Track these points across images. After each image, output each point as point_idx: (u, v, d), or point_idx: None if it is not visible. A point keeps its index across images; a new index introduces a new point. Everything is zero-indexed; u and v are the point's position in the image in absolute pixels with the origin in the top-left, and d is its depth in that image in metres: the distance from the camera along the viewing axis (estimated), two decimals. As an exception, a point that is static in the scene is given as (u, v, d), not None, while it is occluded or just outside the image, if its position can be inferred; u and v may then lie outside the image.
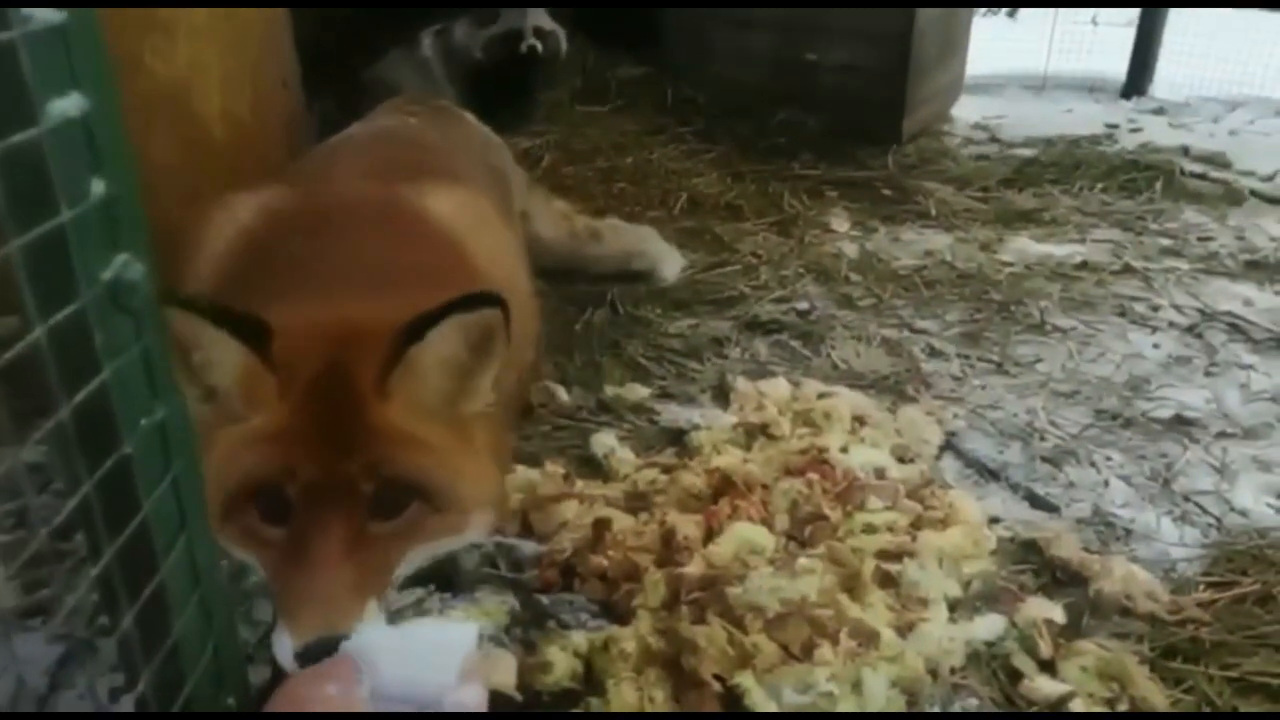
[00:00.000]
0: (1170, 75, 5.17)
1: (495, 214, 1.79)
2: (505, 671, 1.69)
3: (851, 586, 1.85)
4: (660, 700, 1.60)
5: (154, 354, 0.73)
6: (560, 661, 1.69)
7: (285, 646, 0.98)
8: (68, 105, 0.61)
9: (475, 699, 0.91)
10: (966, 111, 4.89)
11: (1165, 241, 3.53)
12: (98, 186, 0.68)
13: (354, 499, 1.06)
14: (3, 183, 0.58)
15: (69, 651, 1.75)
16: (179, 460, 0.78)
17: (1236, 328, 2.93)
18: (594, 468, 2.28)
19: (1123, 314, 3.04)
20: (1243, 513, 2.15)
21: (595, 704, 1.62)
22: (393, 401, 1.08)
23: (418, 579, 1.91)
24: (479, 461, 1.21)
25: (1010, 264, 3.36)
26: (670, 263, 3.21)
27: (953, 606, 1.87)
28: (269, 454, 1.03)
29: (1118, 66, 5.25)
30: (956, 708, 1.68)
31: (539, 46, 4.19)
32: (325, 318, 1.14)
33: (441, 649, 0.95)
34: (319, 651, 0.95)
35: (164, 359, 0.75)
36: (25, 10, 0.58)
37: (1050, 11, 5.61)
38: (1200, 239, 3.54)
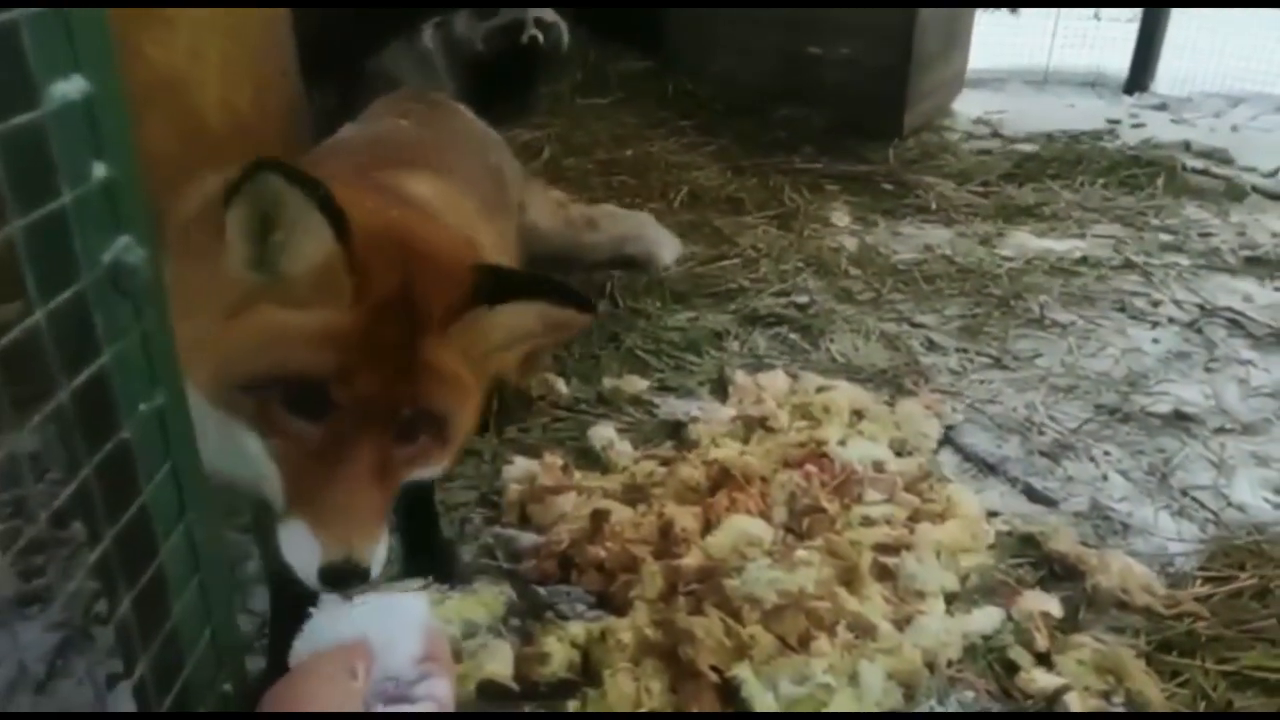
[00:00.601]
0: (1173, 71, 5.16)
1: (475, 212, 1.78)
2: (502, 661, 1.70)
3: (849, 579, 1.86)
4: (657, 691, 1.61)
5: (153, 339, 0.73)
6: (557, 652, 1.69)
7: (307, 555, 0.99)
8: (69, 88, 0.61)
9: (444, 692, 0.90)
10: (968, 106, 4.89)
11: (1166, 237, 3.53)
12: (99, 169, 0.68)
13: (391, 422, 1.06)
14: (4, 164, 0.58)
15: (67, 639, 1.75)
16: (178, 447, 0.78)
17: (1236, 323, 2.93)
18: (592, 460, 2.29)
19: (1122, 309, 3.04)
20: (1240, 508, 2.16)
21: (592, 695, 1.62)
22: (449, 340, 1.09)
23: (414, 570, 1.92)
24: (478, 401, 1.22)
25: (1010, 259, 3.36)
26: (667, 248, 3.21)
27: (950, 599, 1.87)
28: (328, 353, 1.01)
29: (1120, 62, 5.24)
30: (953, 700, 1.68)
31: (540, 38, 4.18)
32: (404, 234, 1.13)
33: (397, 616, 0.94)
34: (342, 574, 0.97)
35: (164, 344, 0.75)
36: (27, -8, 0.58)
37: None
38: (1201, 235, 3.54)
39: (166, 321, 0.76)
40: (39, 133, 0.63)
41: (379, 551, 1.04)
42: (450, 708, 0.90)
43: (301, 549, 1.00)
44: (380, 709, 0.87)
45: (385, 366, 1.04)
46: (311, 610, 0.95)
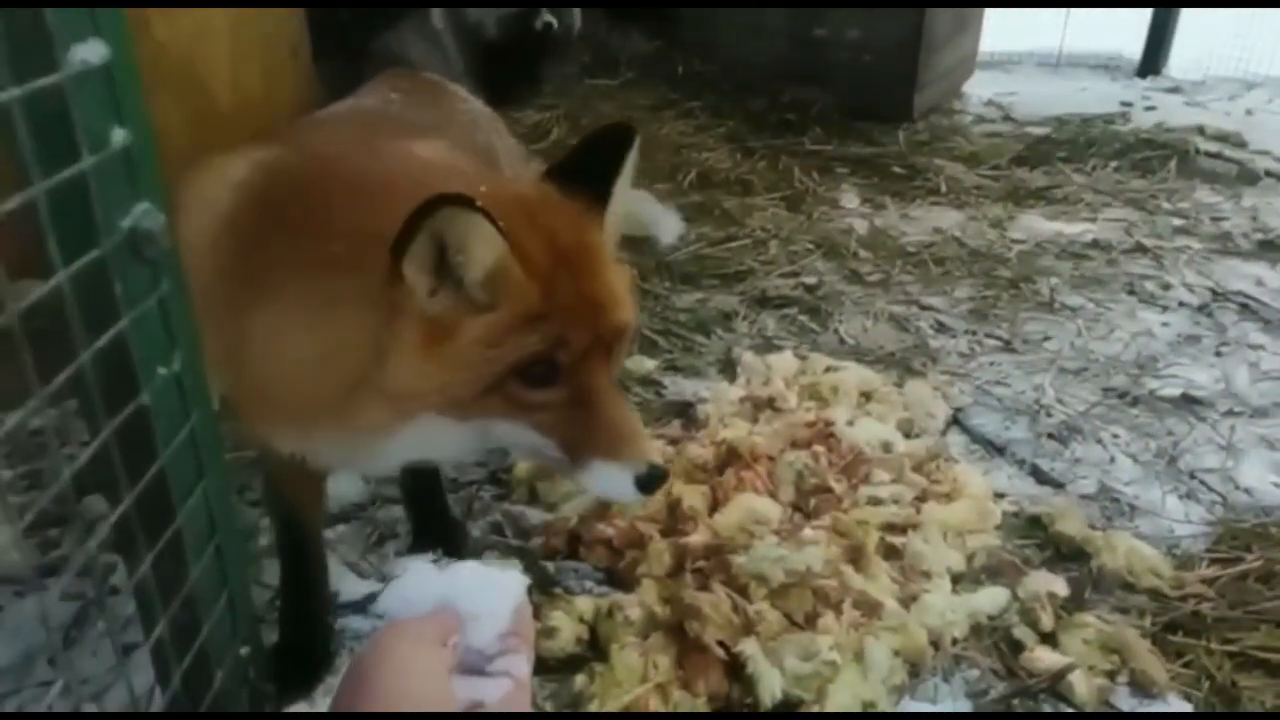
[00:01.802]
0: (1187, 54, 5.11)
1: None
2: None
3: (856, 558, 1.87)
4: (664, 665, 1.62)
5: (171, 305, 0.74)
6: (565, 627, 1.71)
7: (619, 483, 1.16)
8: (89, 52, 0.61)
9: (521, 670, 0.91)
10: (979, 89, 4.86)
11: (1178, 221, 3.51)
12: (119, 136, 0.68)
13: (607, 350, 1.18)
14: (28, 128, 0.59)
15: (83, 609, 1.78)
16: (196, 411, 0.79)
17: (1247, 307, 2.92)
18: (601, 438, 2.29)
19: (1133, 293, 3.03)
20: (1248, 491, 2.16)
21: (599, 668, 1.63)
22: (609, 258, 1.19)
23: (423, 545, 1.94)
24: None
25: (1021, 241, 3.35)
26: (667, 226, 3.22)
27: (956, 579, 1.88)
28: (536, 333, 1.11)
29: (1134, 44, 5.19)
30: (957, 678, 1.69)
31: (554, 24, 4.16)
32: (515, 198, 1.19)
33: (493, 589, 0.95)
34: (652, 478, 1.14)
35: (181, 310, 0.76)
36: (48, -46, 0.58)
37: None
38: (1213, 219, 3.52)
39: (183, 288, 0.77)
40: (60, 97, 0.63)
41: (661, 453, 1.21)
42: (526, 686, 0.90)
43: (613, 480, 1.17)
44: (458, 679, 0.87)
45: (581, 314, 1.14)
46: (411, 563, 0.99)
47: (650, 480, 1.15)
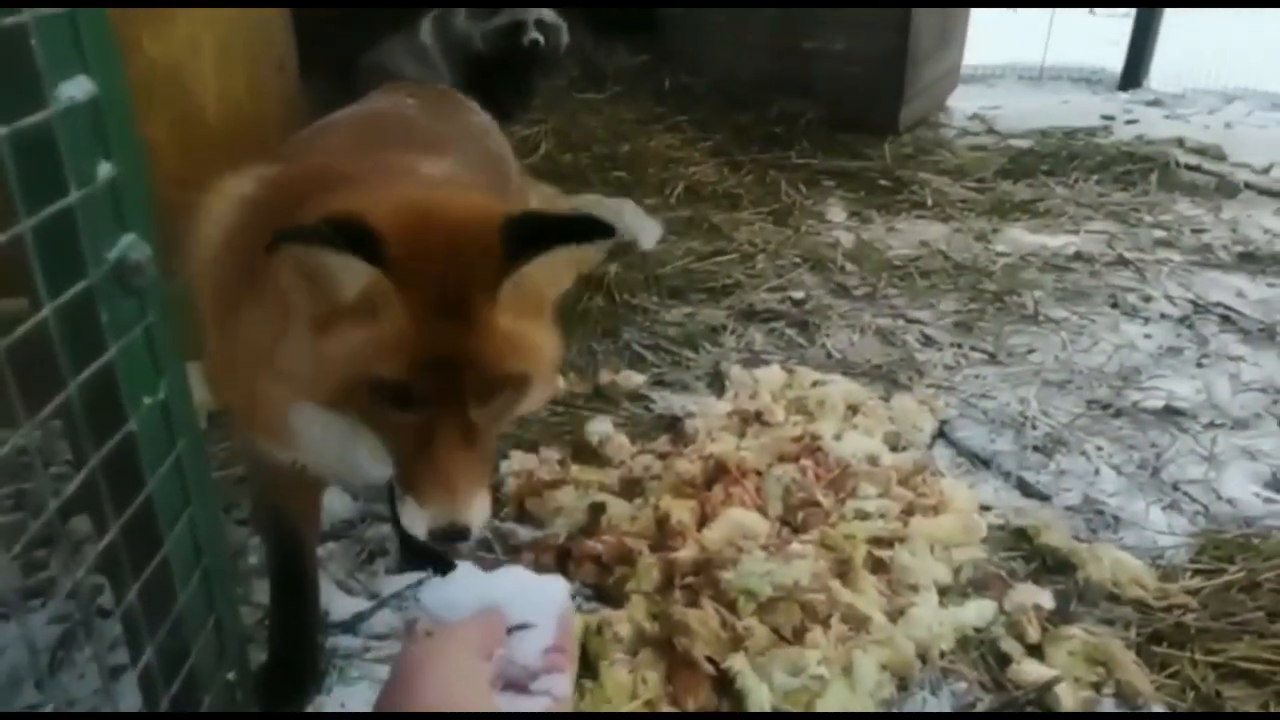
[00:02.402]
0: (1168, 67, 5.18)
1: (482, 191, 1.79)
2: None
3: (843, 572, 1.88)
4: (653, 681, 1.62)
5: (157, 333, 0.75)
6: (555, 644, 1.70)
7: (419, 524, 1.12)
8: (76, 89, 0.62)
9: (562, 690, 0.90)
10: (963, 102, 4.91)
11: (1159, 233, 3.55)
12: (105, 169, 0.69)
13: (466, 395, 1.14)
14: (15, 163, 0.60)
15: (69, 631, 1.77)
16: (183, 438, 0.79)
17: (1228, 319, 2.95)
18: (589, 454, 2.30)
19: (1115, 305, 3.06)
20: (1230, 501, 2.18)
21: (589, 685, 1.64)
22: (499, 304, 1.14)
23: (415, 562, 1.94)
24: (552, 335, 1.26)
25: (1005, 254, 3.38)
26: (648, 232, 3.27)
27: (943, 592, 1.89)
28: (397, 357, 1.09)
29: (1116, 58, 5.26)
30: (945, 691, 1.70)
31: (541, 41, 4.18)
32: (430, 219, 1.16)
33: (539, 599, 0.94)
34: (448, 534, 1.09)
35: (166, 340, 0.76)
36: (36, -5, 0.59)
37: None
38: (1194, 231, 3.56)
39: (169, 318, 0.78)
40: (48, 133, 0.64)
41: (479, 510, 1.14)
42: (566, 707, 0.89)
43: (415, 519, 1.13)
44: (499, 695, 0.86)
45: (448, 351, 1.11)
46: (457, 564, 1.00)
47: (444, 536, 1.11)
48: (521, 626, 0.92)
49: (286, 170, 1.50)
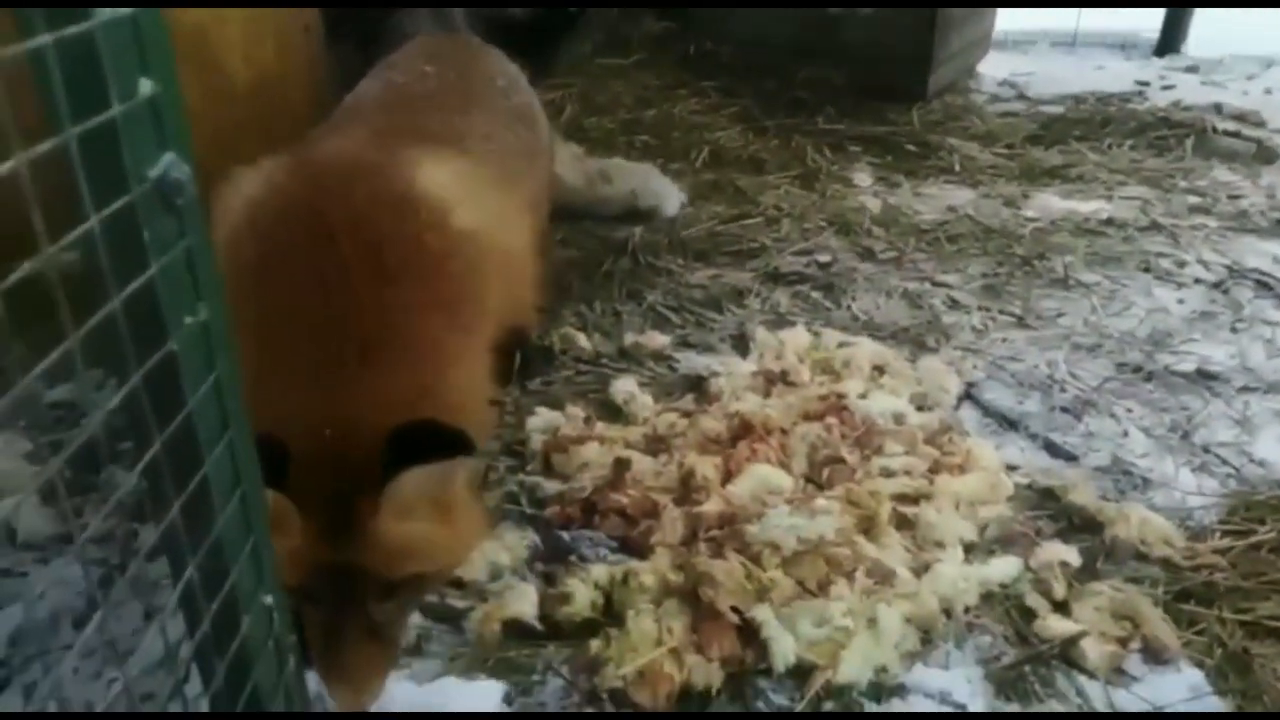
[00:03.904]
0: (1205, 32, 5.07)
1: (492, 182, 1.80)
2: (527, 602, 1.74)
3: (868, 528, 1.88)
4: (678, 630, 1.64)
5: (197, 254, 0.75)
6: (580, 593, 1.72)
7: (329, 702, 1.31)
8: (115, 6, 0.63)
9: None
10: (994, 68, 4.83)
11: (1194, 199, 3.49)
12: (145, 86, 0.70)
13: (365, 596, 1.27)
14: (61, 76, 0.60)
15: (106, 575, 1.81)
16: (222, 361, 0.80)
17: (1264, 284, 2.91)
18: (614, 412, 2.31)
19: (1148, 270, 3.02)
20: (1261, 463, 2.16)
21: (615, 634, 1.65)
22: (385, 514, 1.24)
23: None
24: (459, 527, 1.38)
25: (1034, 219, 3.34)
26: (671, 199, 3.27)
27: (968, 549, 1.89)
28: (297, 568, 1.22)
29: (1152, 23, 5.15)
30: (969, 644, 1.71)
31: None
32: (333, 422, 1.26)
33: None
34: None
35: (207, 260, 0.77)
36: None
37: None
38: (1230, 197, 3.50)
39: (208, 238, 0.79)
40: (91, 46, 0.65)
41: (372, 694, 1.31)
42: None
43: (327, 701, 1.32)
44: None
45: (337, 559, 1.23)
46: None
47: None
48: None
49: (285, 174, 1.56)
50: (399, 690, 1.51)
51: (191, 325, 0.78)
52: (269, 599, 0.91)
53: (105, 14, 0.65)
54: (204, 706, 0.85)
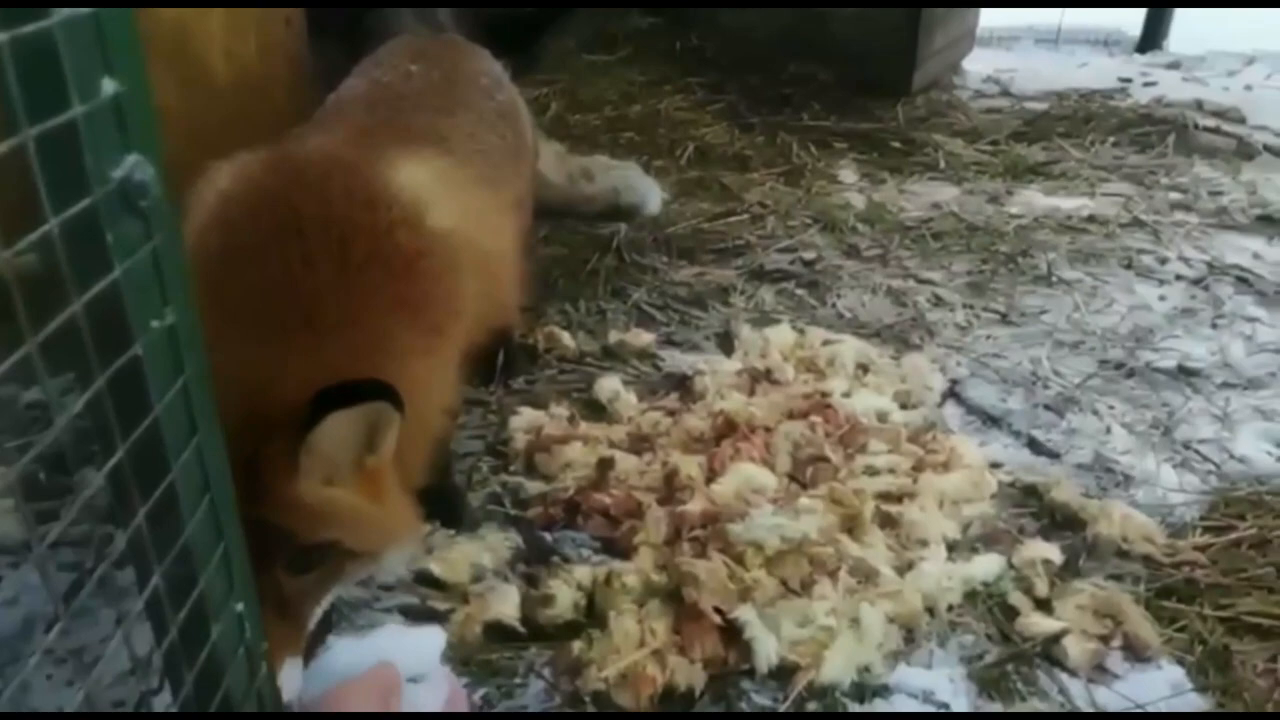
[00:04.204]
0: (1187, 30, 5.09)
1: (473, 182, 1.78)
2: (509, 604, 1.73)
3: (852, 526, 1.88)
4: (661, 631, 1.63)
5: (164, 257, 0.74)
6: (563, 594, 1.72)
7: None
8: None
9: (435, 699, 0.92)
10: (979, 65, 4.83)
11: (1175, 195, 3.50)
12: (108, 85, 0.68)
13: (274, 562, 1.16)
14: (16, 76, 0.59)
15: (78, 580, 1.78)
16: (190, 367, 0.79)
17: (1244, 280, 2.92)
18: (598, 411, 2.30)
19: (1130, 266, 3.03)
20: (1242, 460, 2.17)
21: (597, 635, 1.64)
22: (304, 471, 1.15)
23: (424, 515, 1.94)
24: (387, 504, 1.28)
25: (1018, 216, 3.34)
26: (653, 197, 3.25)
27: (951, 547, 1.89)
28: None
29: (1134, 20, 5.17)
30: (952, 642, 1.71)
31: None
32: (242, 382, 1.16)
33: (415, 649, 0.99)
34: None
35: (174, 263, 0.76)
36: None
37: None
38: (1211, 193, 3.51)
39: (177, 240, 0.77)
40: (50, 43, 0.63)
41: (289, 676, 1.12)
42: None
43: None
44: None
45: (252, 518, 1.09)
46: (330, 639, 1.01)
47: None
48: (412, 680, 0.94)
49: (258, 170, 1.52)
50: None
51: (158, 329, 0.76)
52: (240, 606, 0.89)
53: (64, 13, 0.63)
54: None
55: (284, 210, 1.42)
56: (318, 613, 1.27)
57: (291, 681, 1.13)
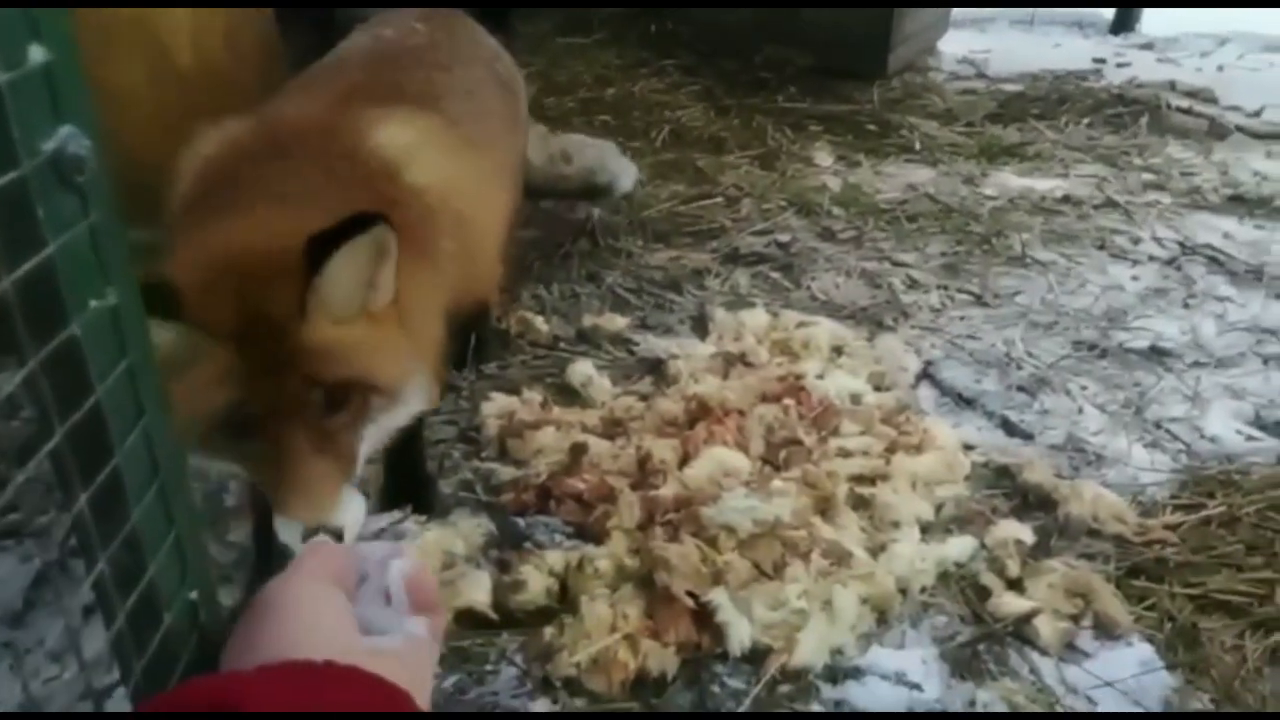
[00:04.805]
0: (1160, 11, 5.10)
1: (461, 144, 1.78)
2: (481, 590, 1.71)
3: (825, 509, 1.88)
4: (634, 616, 1.62)
5: (103, 234, 0.71)
6: (535, 580, 1.70)
7: (291, 536, 1.19)
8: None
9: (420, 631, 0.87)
10: (954, 46, 4.82)
11: (1148, 176, 3.52)
12: (37, 53, 0.65)
13: (305, 406, 1.22)
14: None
15: (42, 573, 1.75)
16: (135, 349, 0.76)
17: (1215, 260, 2.94)
18: (571, 396, 2.28)
19: (1103, 247, 3.04)
20: (1212, 439, 2.18)
21: (569, 620, 1.63)
22: (312, 318, 1.22)
23: (394, 501, 1.92)
24: (397, 342, 1.34)
25: (993, 198, 3.35)
26: (626, 175, 3.23)
27: (925, 529, 1.89)
28: (225, 390, 1.19)
29: (1107, 8, 5.18)
30: (925, 624, 1.71)
31: None
32: (231, 253, 1.24)
33: (368, 553, 0.95)
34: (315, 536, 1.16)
35: (116, 240, 0.73)
36: None
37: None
38: (1183, 173, 3.53)
39: (116, 218, 0.74)
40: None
41: (346, 510, 1.21)
42: (425, 644, 0.84)
43: (286, 532, 1.20)
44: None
45: (271, 374, 1.20)
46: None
47: (308, 538, 1.18)
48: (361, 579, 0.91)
49: (245, 130, 1.58)
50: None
51: (98, 309, 0.73)
52: (194, 594, 0.87)
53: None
54: (125, 705, 0.82)
55: (262, 168, 1.47)
56: (363, 450, 1.33)
57: (353, 512, 1.22)
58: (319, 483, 1.20)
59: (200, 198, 1.49)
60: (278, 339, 1.20)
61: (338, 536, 1.18)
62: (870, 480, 1.96)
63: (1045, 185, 3.42)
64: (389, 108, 1.70)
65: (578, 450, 1.99)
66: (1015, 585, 1.77)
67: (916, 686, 1.58)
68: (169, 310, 1.12)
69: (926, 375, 2.40)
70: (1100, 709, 1.57)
